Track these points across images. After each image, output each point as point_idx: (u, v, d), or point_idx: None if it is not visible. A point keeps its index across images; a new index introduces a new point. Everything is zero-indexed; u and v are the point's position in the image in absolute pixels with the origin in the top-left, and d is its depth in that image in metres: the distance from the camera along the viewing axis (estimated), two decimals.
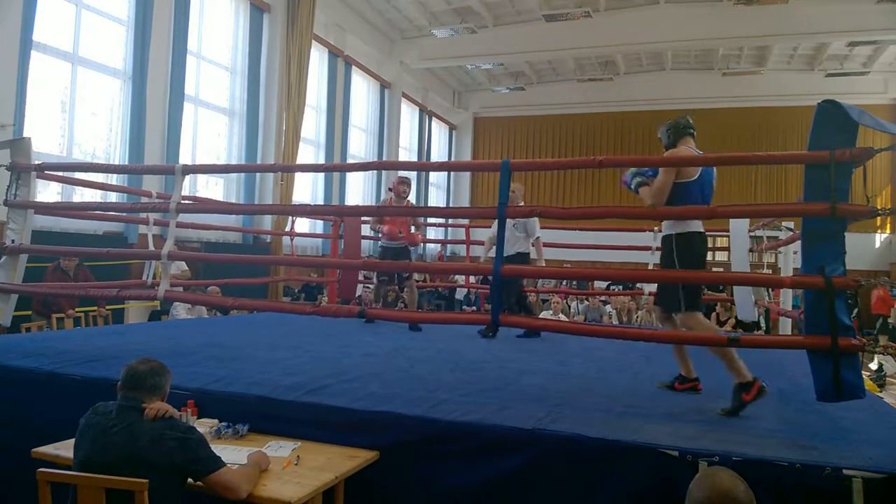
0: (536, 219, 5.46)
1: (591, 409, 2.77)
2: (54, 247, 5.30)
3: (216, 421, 2.66)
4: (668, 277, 3.23)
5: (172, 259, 3.83)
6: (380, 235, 5.83)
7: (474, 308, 11.53)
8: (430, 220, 10.37)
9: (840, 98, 2.54)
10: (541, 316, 8.57)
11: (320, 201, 11.38)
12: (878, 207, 2.63)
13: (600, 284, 12.15)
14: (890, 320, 10.83)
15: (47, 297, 5.55)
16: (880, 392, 6.89)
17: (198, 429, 2.21)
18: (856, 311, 2.42)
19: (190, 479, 2.08)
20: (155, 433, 2.03)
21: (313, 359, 3.83)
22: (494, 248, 5.51)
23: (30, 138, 4.30)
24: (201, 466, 2.05)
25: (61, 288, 5.02)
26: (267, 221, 9.80)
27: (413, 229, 5.88)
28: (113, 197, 7.08)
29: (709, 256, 16.58)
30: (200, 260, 7.69)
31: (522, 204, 5.81)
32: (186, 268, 6.96)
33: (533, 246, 5.68)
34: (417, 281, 6.23)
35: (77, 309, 5.94)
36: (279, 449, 2.46)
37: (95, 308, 6.18)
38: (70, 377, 3.07)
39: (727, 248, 6.76)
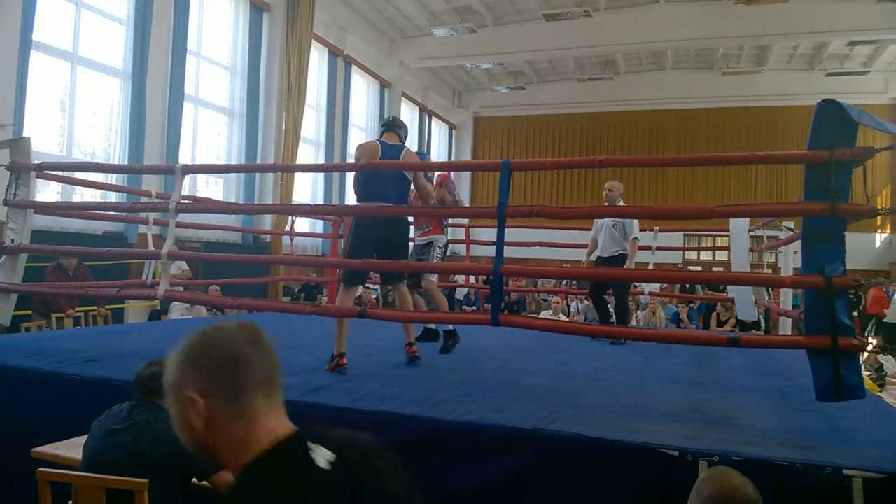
0: (635, 219, 5.42)
1: (591, 409, 2.77)
2: (54, 247, 5.30)
3: None
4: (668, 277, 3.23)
5: (172, 259, 3.83)
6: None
7: (474, 308, 11.53)
8: None
9: (840, 98, 2.53)
10: (541, 316, 8.57)
11: (320, 201, 11.37)
12: (878, 207, 2.63)
13: None
14: (885, 321, 10.80)
15: (47, 297, 5.54)
16: (880, 392, 6.89)
17: None
18: (859, 309, 2.41)
19: (194, 480, 2.09)
20: (162, 432, 2.03)
21: (313, 359, 3.83)
22: (597, 249, 5.45)
23: (29, 138, 4.30)
24: (205, 466, 2.05)
25: (61, 288, 5.02)
26: (267, 221, 9.80)
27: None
28: (113, 197, 7.08)
29: (709, 256, 16.59)
30: (200, 260, 7.69)
31: (622, 203, 5.67)
32: (187, 267, 6.96)
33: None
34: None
35: (77, 309, 5.93)
36: None
37: (95, 308, 6.18)
38: (70, 377, 3.07)
39: (727, 248, 6.75)
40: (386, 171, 3.78)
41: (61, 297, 5.59)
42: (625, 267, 5.29)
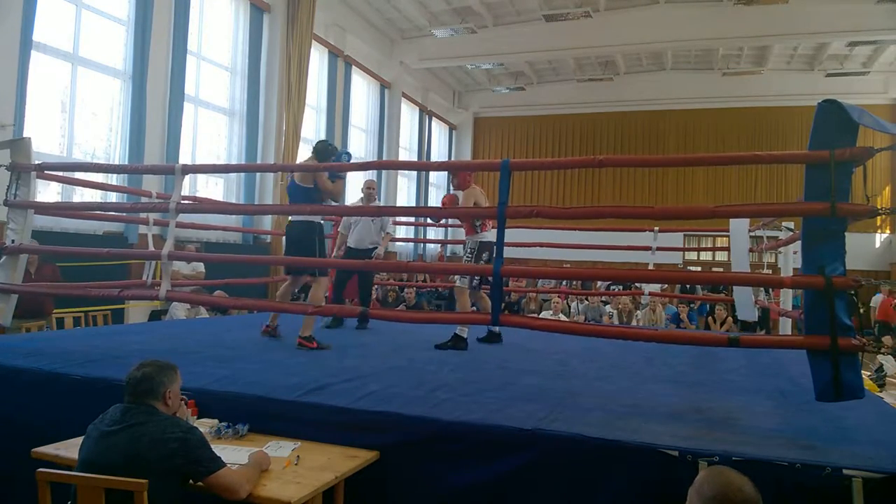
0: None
1: (591, 409, 2.77)
2: (55, 247, 5.29)
3: (216, 421, 2.66)
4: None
5: (172, 259, 3.83)
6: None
7: (475, 308, 11.52)
8: (430, 220, 10.46)
9: (840, 98, 2.53)
10: (541, 316, 8.57)
11: None
12: (878, 207, 2.63)
13: (600, 284, 12.17)
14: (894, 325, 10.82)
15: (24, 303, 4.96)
16: (880, 392, 6.88)
17: (198, 429, 2.21)
18: (860, 310, 2.42)
19: (190, 481, 2.09)
20: (157, 433, 2.03)
21: (313, 359, 3.83)
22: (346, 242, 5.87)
23: (30, 138, 4.30)
24: (201, 467, 2.05)
25: (52, 289, 4.99)
26: (267, 221, 9.80)
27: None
28: (113, 197, 7.08)
29: (709, 256, 16.65)
30: (200, 260, 7.68)
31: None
32: (203, 269, 6.95)
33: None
34: (418, 281, 6.03)
35: (64, 309, 5.72)
36: (279, 449, 2.45)
37: (88, 308, 6.04)
38: (70, 377, 3.07)
39: (727, 248, 6.76)
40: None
41: (43, 302, 5.37)
42: (373, 257, 5.66)
